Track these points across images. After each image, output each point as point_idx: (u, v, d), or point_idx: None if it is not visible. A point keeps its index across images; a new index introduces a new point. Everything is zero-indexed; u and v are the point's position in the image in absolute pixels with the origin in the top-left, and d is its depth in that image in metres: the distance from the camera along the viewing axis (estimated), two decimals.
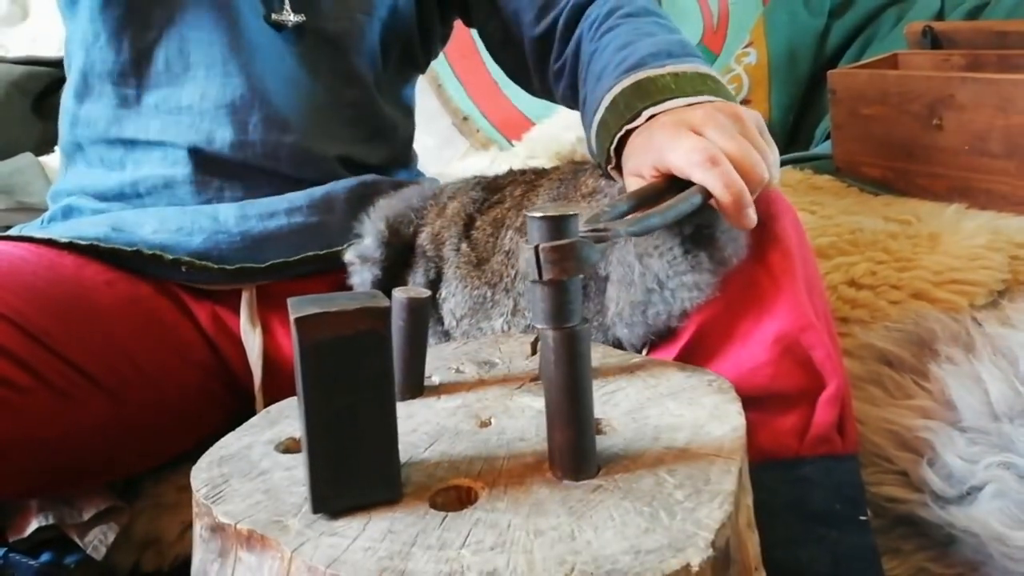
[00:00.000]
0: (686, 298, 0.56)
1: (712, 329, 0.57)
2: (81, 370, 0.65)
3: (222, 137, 0.73)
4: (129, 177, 0.75)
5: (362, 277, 0.68)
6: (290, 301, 0.40)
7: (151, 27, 0.74)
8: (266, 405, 0.73)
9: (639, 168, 0.59)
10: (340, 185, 0.77)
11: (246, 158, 0.74)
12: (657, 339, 0.59)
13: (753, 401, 0.53)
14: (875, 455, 0.62)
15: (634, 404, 0.49)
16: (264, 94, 0.74)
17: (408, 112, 0.90)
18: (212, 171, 0.74)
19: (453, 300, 0.67)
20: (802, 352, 0.56)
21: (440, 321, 0.68)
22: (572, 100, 0.79)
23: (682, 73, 0.63)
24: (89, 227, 0.72)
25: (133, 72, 0.75)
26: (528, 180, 0.73)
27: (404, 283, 0.69)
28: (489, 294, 0.66)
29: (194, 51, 0.74)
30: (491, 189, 0.74)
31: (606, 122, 0.64)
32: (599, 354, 0.56)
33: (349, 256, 0.70)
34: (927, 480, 0.58)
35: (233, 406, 0.76)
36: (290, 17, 0.75)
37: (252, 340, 0.74)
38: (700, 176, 0.53)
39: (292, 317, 0.38)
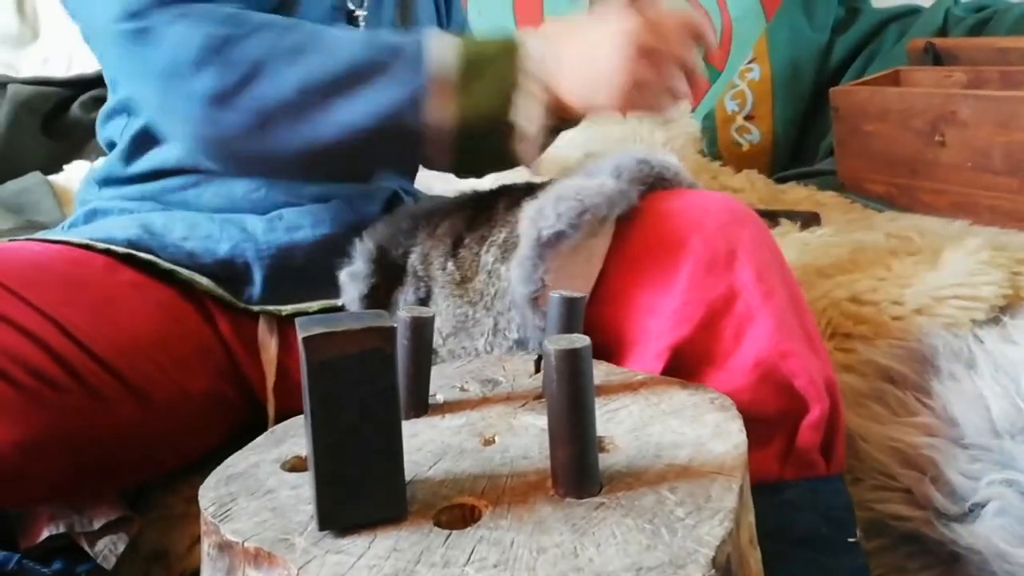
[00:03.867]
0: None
1: (689, 353, 0.57)
2: (111, 368, 0.65)
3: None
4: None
5: (350, 295, 0.69)
6: (298, 321, 0.40)
7: None
8: (277, 413, 0.75)
9: None
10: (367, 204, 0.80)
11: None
12: (629, 364, 0.60)
13: None
14: (879, 473, 0.63)
15: (637, 422, 0.49)
16: None
17: None
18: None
19: (439, 319, 0.68)
20: (782, 377, 0.56)
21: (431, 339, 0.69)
22: None
23: None
24: (119, 230, 0.73)
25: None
26: (515, 194, 0.73)
27: (393, 301, 0.70)
28: (471, 312, 0.66)
29: None
30: (480, 206, 0.74)
31: None
32: (602, 371, 0.57)
33: (342, 276, 0.72)
34: (930, 497, 0.58)
35: (246, 413, 0.77)
36: None
37: (268, 347, 0.75)
38: None
39: (300, 337, 0.39)
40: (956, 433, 0.59)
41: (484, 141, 0.63)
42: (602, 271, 0.62)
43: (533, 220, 0.60)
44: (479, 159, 0.67)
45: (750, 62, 1.78)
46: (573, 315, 0.52)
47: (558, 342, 0.41)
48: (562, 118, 0.65)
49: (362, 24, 0.80)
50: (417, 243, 0.72)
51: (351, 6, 0.79)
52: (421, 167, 0.88)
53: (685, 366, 0.59)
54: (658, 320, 0.59)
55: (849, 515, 0.58)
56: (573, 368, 0.40)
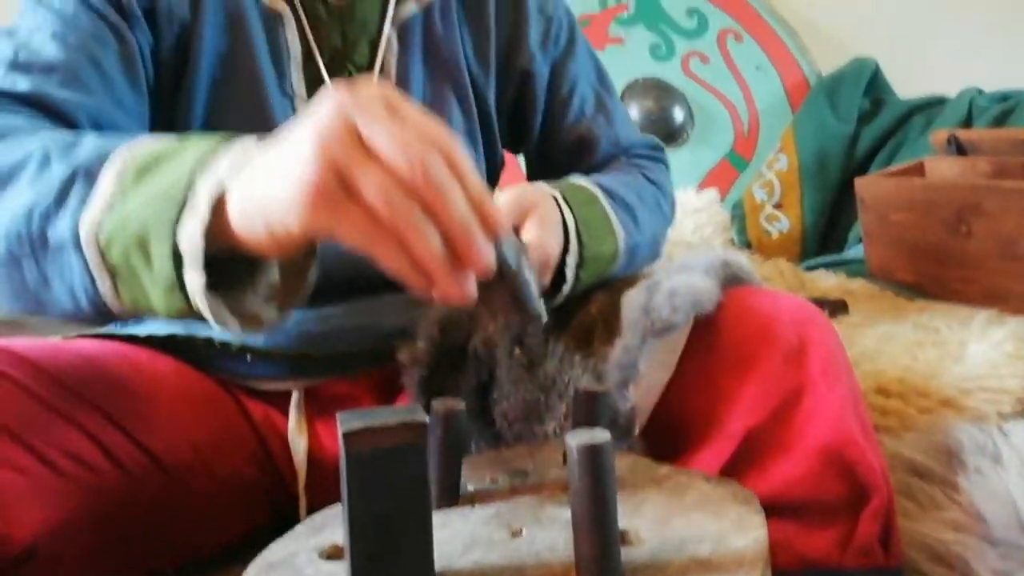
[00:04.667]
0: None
1: (761, 438, 0.59)
2: (148, 451, 0.67)
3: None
4: None
5: (411, 378, 0.72)
6: (339, 415, 0.43)
7: None
8: (308, 503, 0.76)
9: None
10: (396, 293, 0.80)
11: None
12: (705, 444, 0.62)
13: (795, 510, 0.55)
14: (910, 568, 0.62)
15: (660, 515, 0.50)
16: None
17: None
18: None
19: (506, 403, 0.70)
20: (845, 465, 0.58)
21: (491, 424, 0.71)
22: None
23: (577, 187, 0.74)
24: (163, 325, 0.77)
25: None
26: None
27: (454, 384, 0.72)
28: (542, 398, 0.69)
29: None
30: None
31: None
32: (627, 464, 0.58)
33: (402, 356, 0.74)
34: None
35: (276, 498, 0.79)
36: None
37: (298, 443, 0.78)
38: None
39: (340, 431, 0.41)
40: (984, 530, 0.59)
41: (138, 266, 0.46)
42: (683, 359, 0.65)
43: (645, 311, 0.63)
44: (142, 290, 0.47)
45: (777, 152, 1.83)
46: (596, 409, 0.54)
47: (580, 437, 0.43)
48: (243, 250, 0.46)
49: None
50: (479, 325, 0.74)
51: None
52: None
53: (755, 450, 0.61)
54: (734, 405, 0.62)
55: None
56: (595, 463, 0.42)
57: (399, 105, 0.41)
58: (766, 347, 0.61)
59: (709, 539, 0.47)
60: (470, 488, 0.56)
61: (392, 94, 0.41)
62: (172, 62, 0.71)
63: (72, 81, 0.64)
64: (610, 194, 0.76)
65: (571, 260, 0.71)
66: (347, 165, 0.39)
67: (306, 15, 0.74)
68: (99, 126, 0.65)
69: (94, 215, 0.47)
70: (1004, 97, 1.72)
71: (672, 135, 1.88)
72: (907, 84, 1.93)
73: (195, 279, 0.45)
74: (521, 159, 0.93)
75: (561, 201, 0.71)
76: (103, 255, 0.47)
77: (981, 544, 0.59)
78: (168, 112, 0.72)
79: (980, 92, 1.78)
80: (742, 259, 0.69)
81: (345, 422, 0.42)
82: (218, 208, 0.44)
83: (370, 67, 0.77)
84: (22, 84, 0.62)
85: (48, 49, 0.64)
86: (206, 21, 0.71)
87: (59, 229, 0.48)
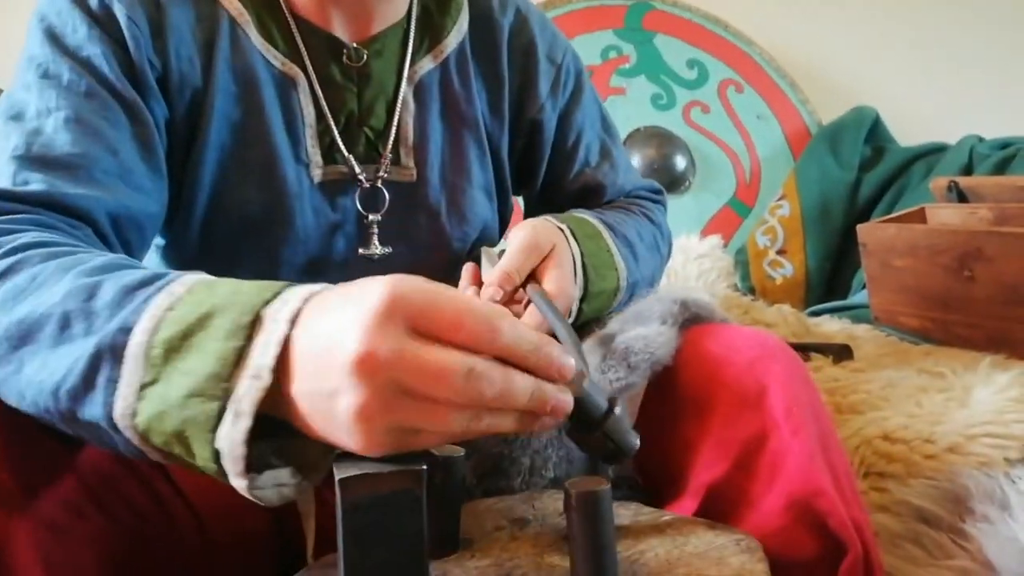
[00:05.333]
0: None
1: (725, 493, 0.58)
2: (188, 500, 0.66)
3: None
4: None
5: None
6: (335, 462, 0.43)
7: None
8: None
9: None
10: None
11: None
12: (668, 502, 0.60)
13: (770, 567, 0.53)
14: None
15: (663, 564, 0.50)
16: None
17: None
18: None
19: (474, 459, 0.69)
20: (815, 518, 0.56)
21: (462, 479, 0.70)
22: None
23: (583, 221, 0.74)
24: None
25: None
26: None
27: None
28: (507, 452, 0.68)
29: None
30: None
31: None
32: (631, 512, 0.58)
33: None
34: None
35: (289, 559, 0.77)
36: (377, 251, 0.75)
37: (310, 516, 0.76)
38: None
39: (336, 477, 0.41)
40: None
41: (182, 454, 0.43)
42: (642, 410, 0.64)
43: (603, 372, 0.62)
44: (191, 464, 0.44)
45: (780, 199, 1.84)
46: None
47: (579, 485, 0.42)
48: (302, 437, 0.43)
49: (375, 232, 0.74)
50: None
51: (361, 209, 0.73)
52: None
53: (720, 506, 0.59)
54: (695, 458, 0.60)
55: None
56: (593, 510, 0.42)
57: (439, 301, 0.39)
58: (721, 391, 0.59)
59: None
60: (469, 536, 0.56)
61: (430, 289, 0.40)
62: (183, 131, 0.68)
63: (88, 177, 0.59)
64: (612, 230, 0.76)
65: (576, 294, 0.70)
66: (402, 384, 0.38)
67: (319, 78, 0.71)
68: (117, 219, 0.61)
69: (127, 402, 0.43)
70: (1004, 144, 1.73)
71: (675, 182, 1.90)
72: (908, 132, 1.95)
73: (238, 483, 0.41)
74: (520, 199, 0.94)
75: (569, 236, 0.71)
76: (143, 437, 0.43)
77: None
78: (177, 180, 0.68)
79: (980, 139, 1.79)
80: (702, 296, 0.68)
81: (341, 468, 0.42)
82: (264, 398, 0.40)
83: (387, 129, 0.74)
84: (36, 184, 0.57)
85: (61, 139, 0.59)
86: (217, 88, 0.67)
87: (90, 412, 0.44)
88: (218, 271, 0.72)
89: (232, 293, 0.43)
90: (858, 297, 1.53)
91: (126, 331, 0.43)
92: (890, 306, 1.32)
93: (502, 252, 0.71)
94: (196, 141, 0.68)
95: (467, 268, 0.72)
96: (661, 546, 0.52)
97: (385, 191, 0.74)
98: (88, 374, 0.44)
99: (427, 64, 0.76)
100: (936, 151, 1.84)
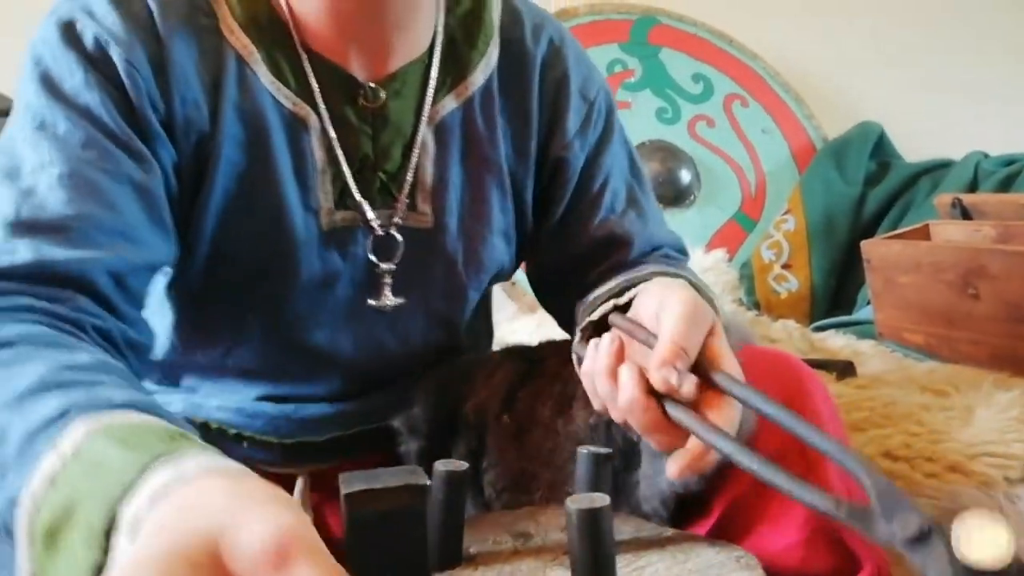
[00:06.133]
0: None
1: (743, 506, 0.58)
2: None
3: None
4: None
5: (408, 447, 0.71)
6: (341, 476, 0.44)
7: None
8: None
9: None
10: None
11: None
12: (689, 516, 0.61)
13: None
14: None
15: None
16: (347, 356, 0.73)
17: (488, 314, 0.89)
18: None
19: (493, 472, 0.69)
20: (833, 533, 0.57)
21: (481, 492, 0.70)
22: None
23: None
24: (167, 404, 0.75)
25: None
26: (563, 349, 0.75)
27: (450, 451, 0.72)
28: (528, 467, 0.68)
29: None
30: (532, 360, 0.77)
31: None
32: (632, 528, 0.58)
33: (397, 423, 0.73)
34: None
35: None
36: (389, 302, 0.70)
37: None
38: None
39: (342, 492, 0.42)
40: None
41: None
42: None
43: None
44: None
45: (785, 213, 1.85)
46: (601, 472, 0.54)
47: (580, 501, 0.43)
48: None
49: (387, 282, 0.70)
50: (473, 391, 0.73)
51: (372, 258, 0.69)
52: None
53: (739, 520, 0.59)
54: (715, 474, 0.58)
55: None
56: (593, 526, 0.43)
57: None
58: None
59: None
60: (472, 550, 0.56)
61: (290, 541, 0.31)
62: (189, 176, 0.63)
63: (83, 238, 0.55)
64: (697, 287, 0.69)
65: None
66: None
67: (333, 119, 0.66)
68: (119, 275, 0.57)
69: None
70: (1010, 161, 1.74)
71: (679, 196, 1.90)
72: (913, 148, 1.96)
73: None
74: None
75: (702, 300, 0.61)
76: None
77: None
78: (181, 224, 0.64)
79: (985, 156, 1.80)
80: (739, 318, 0.69)
81: (347, 483, 0.43)
82: None
83: (402, 172, 0.69)
84: (23, 253, 0.53)
85: (55, 199, 0.55)
86: (224, 134, 0.63)
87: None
88: (223, 314, 0.71)
89: (94, 472, 0.38)
90: (863, 313, 1.53)
91: (13, 503, 0.40)
92: (894, 322, 1.32)
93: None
94: (202, 188, 0.64)
95: (609, 340, 0.58)
96: (661, 562, 0.53)
97: (400, 238, 0.69)
98: (5, 537, 0.41)
99: (450, 104, 0.70)
100: (941, 167, 1.85)
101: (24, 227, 0.54)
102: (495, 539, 0.58)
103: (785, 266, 1.78)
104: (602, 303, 0.66)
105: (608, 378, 0.55)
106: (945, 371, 1.10)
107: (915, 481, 0.72)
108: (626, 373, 0.54)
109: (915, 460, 0.74)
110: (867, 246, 1.35)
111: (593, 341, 0.60)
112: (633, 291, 0.63)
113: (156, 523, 0.34)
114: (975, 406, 0.80)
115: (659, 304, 0.57)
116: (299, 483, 0.77)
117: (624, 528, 0.57)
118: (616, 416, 0.56)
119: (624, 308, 0.64)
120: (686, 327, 0.53)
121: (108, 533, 0.35)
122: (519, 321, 1.55)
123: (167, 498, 0.35)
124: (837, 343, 1.31)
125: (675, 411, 0.51)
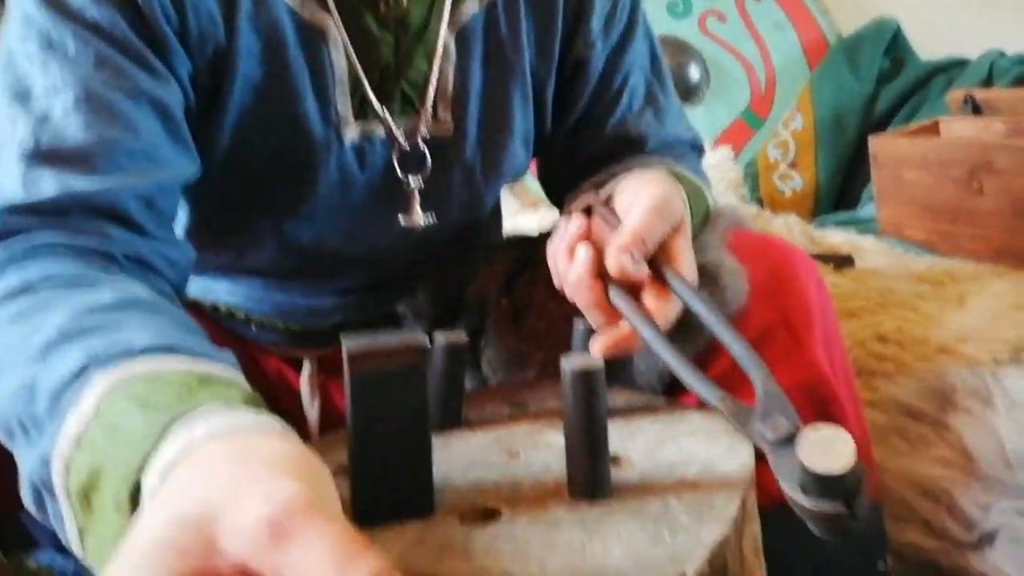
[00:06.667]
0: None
1: (726, 378, 0.60)
2: None
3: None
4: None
5: (412, 331, 0.73)
6: (344, 338, 0.45)
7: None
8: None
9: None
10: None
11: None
12: (677, 385, 0.63)
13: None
14: (898, 503, 0.64)
15: (652, 442, 0.52)
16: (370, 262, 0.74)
17: (498, 213, 0.88)
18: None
19: (491, 351, 0.72)
20: (816, 405, 0.59)
21: (479, 371, 0.73)
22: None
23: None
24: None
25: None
26: None
27: None
28: (524, 348, 0.70)
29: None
30: (532, 248, 0.78)
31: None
32: (624, 399, 0.60)
33: (401, 309, 0.75)
34: (945, 527, 0.60)
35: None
36: (420, 220, 0.69)
37: (311, 410, 0.78)
38: None
39: (344, 351, 0.43)
40: (970, 464, 0.61)
41: None
42: None
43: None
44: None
45: (793, 112, 1.82)
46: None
47: (573, 362, 0.45)
48: None
49: (417, 198, 0.68)
50: (475, 276, 0.75)
51: (400, 173, 0.67)
52: None
53: (727, 383, 0.62)
54: (707, 348, 0.61)
55: (881, 543, 0.60)
56: (587, 387, 0.44)
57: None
58: (755, 273, 0.62)
59: (697, 463, 0.49)
60: (471, 417, 0.59)
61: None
62: (205, 89, 0.62)
63: (109, 164, 0.54)
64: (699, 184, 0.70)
65: None
66: None
67: (351, 28, 0.64)
68: (150, 199, 0.56)
69: (78, 544, 0.41)
70: None
71: (688, 93, 1.87)
72: (928, 46, 1.90)
73: None
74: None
75: (686, 200, 0.62)
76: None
77: (967, 479, 0.60)
78: (197, 143, 0.62)
79: (1002, 55, 1.75)
80: (741, 208, 0.70)
81: (349, 343, 0.44)
82: None
83: (425, 82, 0.67)
84: (48, 187, 0.52)
85: (72, 126, 0.53)
86: (240, 49, 0.61)
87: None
88: (238, 221, 0.70)
89: (114, 437, 0.38)
90: (865, 211, 1.53)
91: (46, 463, 0.41)
92: (897, 219, 1.32)
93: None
94: (217, 101, 0.62)
95: (576, 222, 0.59)
96: (652, 427, 0.55)
97: (427, 152, 0.67)
98: (38, 501, 0.42)
99: (472, 7, 0.67)
100: (956, 65, 1.80)
101: (45, 157, 0.53)
102: (492, 408, 0.60)
103: (791, 165, 1.77)
104: (584, 193, 0.66)
105: (567, 256, 0.57)
106: (944, 264, 1.11)
107: (904, 363, 0.73)
108: (582, 252, 0.56)
109: (906, 343, 0.75)
110: (874, 142, 1.34)
111: (563, 220, 0.61)
112: (612, 183, 0.64)
113: (153, 507, 0.33)
114: (970, 294, 0.81)
115: (632, 197, 0.58)
116: (306, 366, 0.80)
117: (617, 399, 0.59)
118: (567, 293, 0.58)
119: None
120: (649, 219, 0.55)
121: (134, 499, 0.36)
122: (522, 216, 1.56)
123: (173, 473, 0.34)
124: (837, 239, 1.32)
125: (615, 295, 0.54)
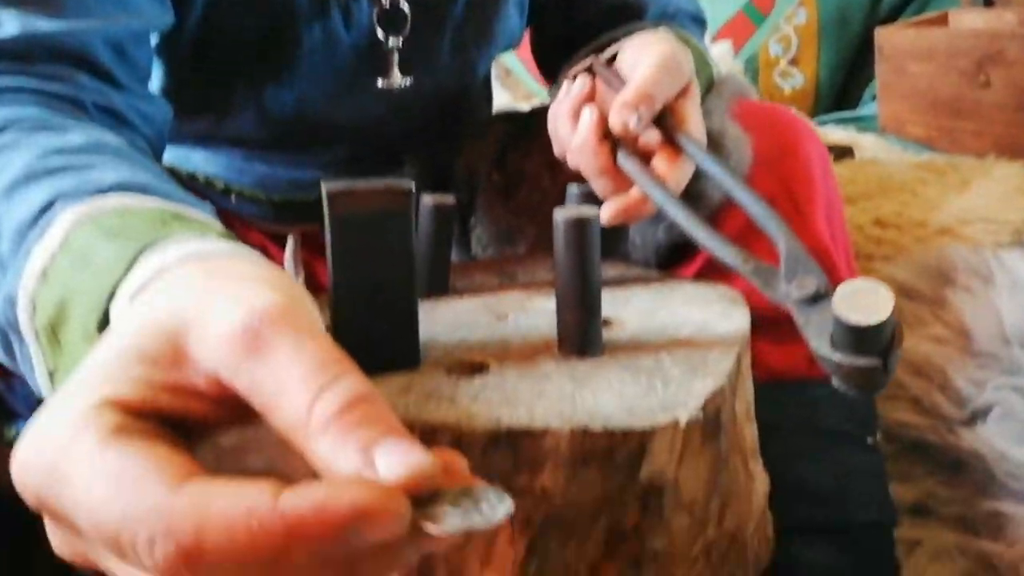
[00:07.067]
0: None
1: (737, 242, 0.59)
2: None
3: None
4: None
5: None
6: (324, 183, 0.43)
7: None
8: None
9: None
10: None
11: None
12: (672, 260, 0.61)
13: (765, 323, 0.55)
14: (890, 383, 0.64)
15: (646, 307, 0.51)
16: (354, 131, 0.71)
17: (488, 83, 0.85)
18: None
19: (481, 227, 0.70)
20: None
21: (467, 246, 0.71)
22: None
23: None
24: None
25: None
26: None
27: None
28: (515, 222, 0.69)
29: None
30: (523, 123, 0.76)
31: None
32: (618, 270, 0.59)
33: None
34: (937, 404, 0.59)
35: None
36: (397, 81, 0.66)
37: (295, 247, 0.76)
38: None
39: (324, 192, 0.41)
40: (966, 342, 0.60)
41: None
42: None
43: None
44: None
45: (796, 6, 1.75)
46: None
47: (567, 212, 0.43)
48: None
49: (395, 58, 0.66)
50: (464, 151, 0.73)
51: (380, 32, 0.64)
52: None
53: (722, 268, 0.61)
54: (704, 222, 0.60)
55: (870, 416, 0.60)
56: (580, 236, 0.42)
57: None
58: (764, 134, 0.60)
59: (691, 324, 0.47)
60: (459, 285, 0.57)
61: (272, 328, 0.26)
62: None
63: (75, 6, 0.50)
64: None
65: None
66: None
67: None
68: (120, 45, 0.53)
69: (46, 383, 0.38)
70: None
71: None
72: None
73: None
74: None
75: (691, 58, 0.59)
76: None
77: (961, 355, 0.60)
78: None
79: None
80: (736, 77, 0.67)
81: (330, 185, 0.42)
82: None
83: None
84: (9, 26, 0.48)
85: None
86: None
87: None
88: (216, 83, 0.66)
89: (81, 268, 0.36)
90: (866, 109, 1.50)
91: (12, 302, 0.38)
92: (898, 114, 1.29)
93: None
94: None
95: (580, 83, 0.57)
96: (646, 294, 0.53)
97: (406, 10, 0.64)
98: (6, 345, 0.40)
99: None
100: None
101: None
102: (481, 278, 0.59)
103: (792, 61, 1.72)
104: (584, 57, 0.63)
105: (570, 119, 0.55)
106: (946, 157, 1.09)
107: (903, 245, 0.72)
108: (587, 114, 0.53)
109: (905, 226, 0.74)
110: (880, 33, 1.29)
111: (565, 83, 0.58)
112: (616, 45, 0.60)
113: (120, 321, 0.31)
114: (973, 179, 0.79)
115: (637, 55, 0.56)
116: (289, 241, 0.78)
117: (611, 271, 0.58)
118: (570, 160, 0.55)
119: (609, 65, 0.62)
120: (656, 75, 0.52)
121: (103, 329, 0.34)
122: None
123: (142, 295, 0.32)
124: (837, 135, 1.28)
125: (624, 159, 0.51)
